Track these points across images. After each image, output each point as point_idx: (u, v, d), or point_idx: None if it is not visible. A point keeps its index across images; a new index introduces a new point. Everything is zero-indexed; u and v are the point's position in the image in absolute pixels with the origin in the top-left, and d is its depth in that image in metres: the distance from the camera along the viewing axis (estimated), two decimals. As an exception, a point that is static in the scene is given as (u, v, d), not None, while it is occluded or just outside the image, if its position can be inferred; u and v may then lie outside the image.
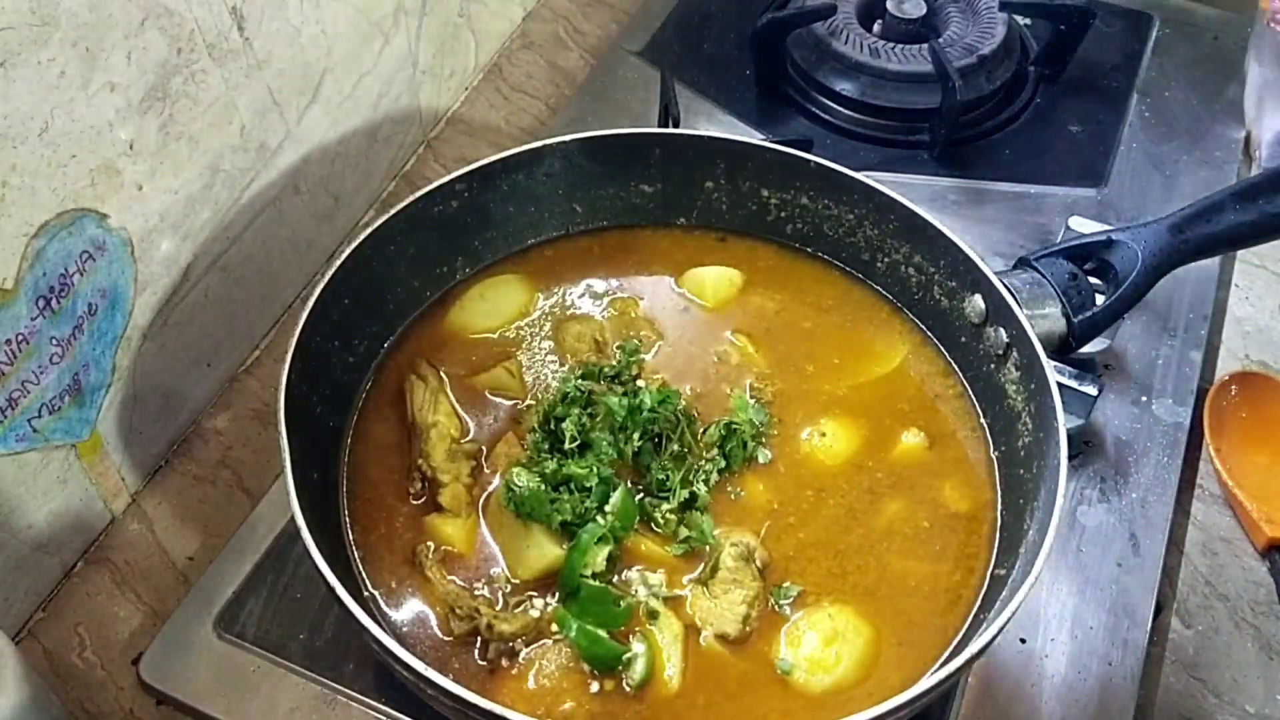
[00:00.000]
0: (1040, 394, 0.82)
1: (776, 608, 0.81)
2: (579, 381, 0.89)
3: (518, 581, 0.82)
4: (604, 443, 0.85)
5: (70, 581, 0.92)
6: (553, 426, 0.87)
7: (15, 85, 0.72)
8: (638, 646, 0.78)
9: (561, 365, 0.94)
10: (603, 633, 0.78)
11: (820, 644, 0.79)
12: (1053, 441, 0.78)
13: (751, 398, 0.92)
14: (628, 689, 0.77)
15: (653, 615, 0.80)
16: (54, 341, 0.82)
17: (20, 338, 0.78)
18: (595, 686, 0.78)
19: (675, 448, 0.87)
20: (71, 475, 0.88)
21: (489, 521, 0.85)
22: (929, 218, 0.91)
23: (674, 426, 0.87)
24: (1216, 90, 1.31)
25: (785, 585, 0.82)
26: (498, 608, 0.80)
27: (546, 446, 0.86)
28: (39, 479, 0.85)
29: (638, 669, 0.77)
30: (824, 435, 0.90)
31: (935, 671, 0.76)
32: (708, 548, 0.83)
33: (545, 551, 0.81)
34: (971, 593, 0.82)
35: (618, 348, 0.95)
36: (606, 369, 0.91)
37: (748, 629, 0.80)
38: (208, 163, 0.91)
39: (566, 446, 0.85)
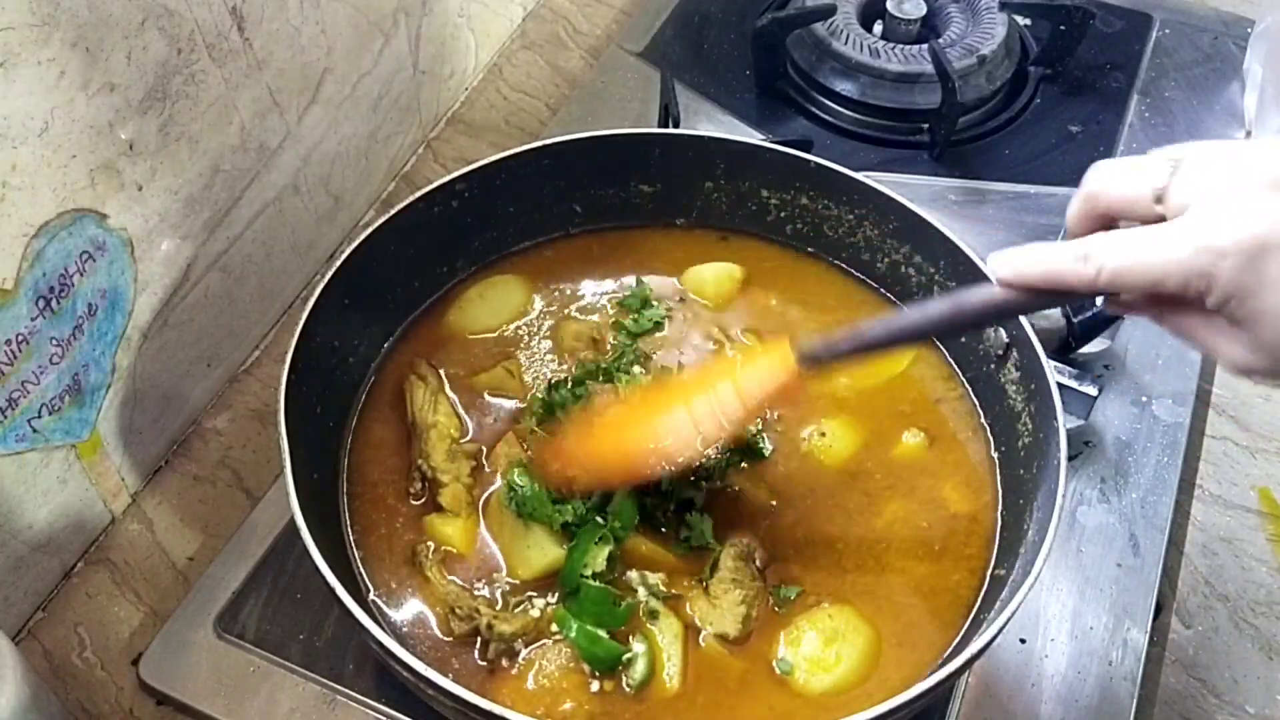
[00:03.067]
0: (1040, 394, 0.82)
1: (776, 608, 0.81)
2: (575, 388, 0.89)
3: (517, 581, 0.82)
4: None
5: (70, 581, 0.92)
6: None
7: (15, 85, 0.72)
8: (638, 646, 0.78)
9: (561, 365, 0.94)
10: (603, 633, 0.78)
11: (820, 644, 0.79)
12: (1053, 441, 0.78)
13: None
14: (627, 689, 0.77)
15: (653, 615, 0.80)
16: (54, 341, 0.82)
17: (20, 338, 0.78)
18: (595, 686, 0.78)
19: None
20: (71, 475, 0.88)
21: (489, 521, 0.85)
22: (929, 218, 0.91)
23: None
24: (1216, 90, 1.31)
25: (785, 585, 0.82)
26: (498, 608, 0.80)
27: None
28: (39, 479, 0.85)
29: (638, 669, 0.77)
30: (824, 435, 0.90)
31: (935, 671, 0.76)
32: (708, 547, 0.83)
33: (545, 551, 0.81)
34: (971, 593, 0.82)
35: (612, 344, 0.95)
36: (602, 364, 0.91)
37: (748, 629, 0.80)
38: (208, 163, 0.91)
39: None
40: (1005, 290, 0.63)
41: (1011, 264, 0.62)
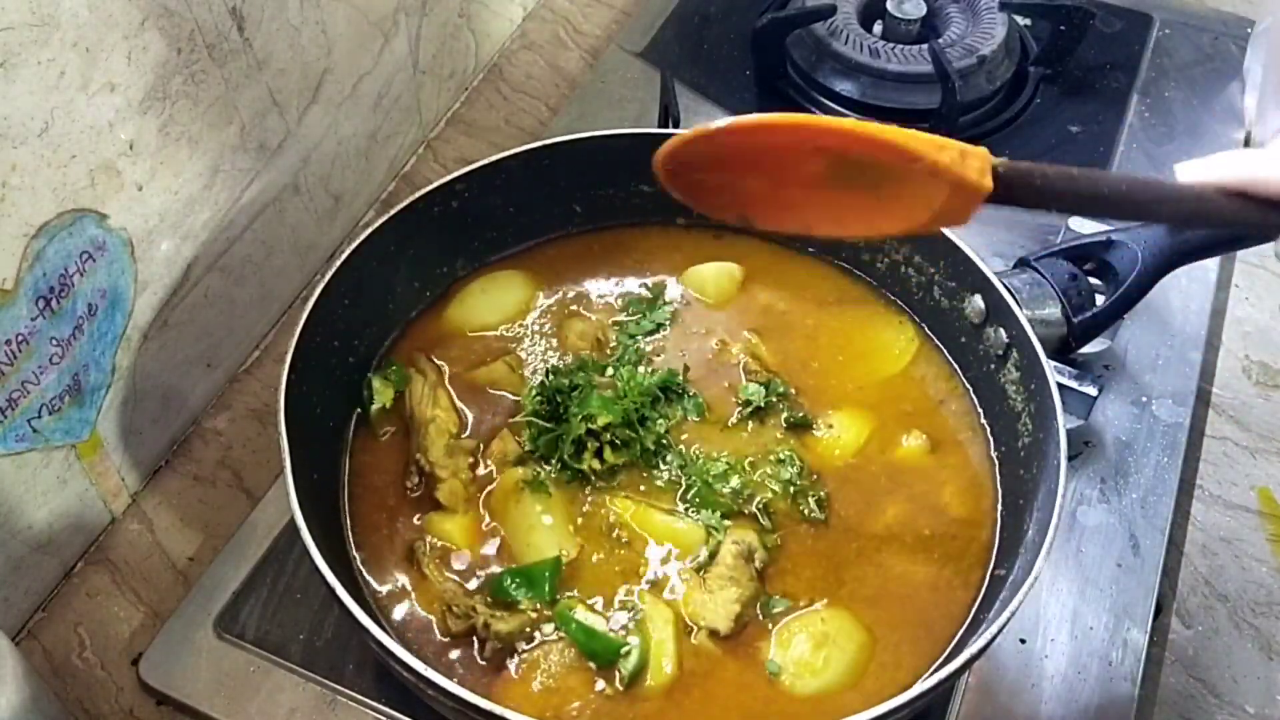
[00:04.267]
0: (1040, 394, 0.82)
1: (772, 608, 0.81)
2: (576, 375, 0.89)
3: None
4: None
5: (70, 582, 0.92)
6: (558, 400, 0.87)
7: (15, 85, 0.72)
8: (633, 640, 0.78)
9: (563, 363, 0.94)
10: (599, 626, 0.78)
11: (809, 648, 0.79)
12: (1053, 442, 0.78)
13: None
14: (620, 687, 0.77)
15: (637, 610, 0.80)
16: (54, 341, 0.82)
17: (20, 338, 0.78)
18: (600, 685, 0.77)
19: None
20: (71, 475, 0.88)
21: (494, 515, 0.85)
22: (929, 218, 0.91)
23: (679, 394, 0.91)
24: (1216, 90, 1.31)
25: (782, 588, 0.82)
26: (489, 603, 0.80)
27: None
28: (39, 479, 0.85)
29: (632, 661, 0.77)
30: (831, 427, 0.90)
31: (935, 672, 0.76)
32: (709, 531, 0.83)
33: (556, 544, 0.81)
34: (971, 593, 0.82)
35: (614, 345, 0.95)
36: (604, 362, 0.92)
37: (739, 627, 0.79)
38: (208, 163, 0.91)
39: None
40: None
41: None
